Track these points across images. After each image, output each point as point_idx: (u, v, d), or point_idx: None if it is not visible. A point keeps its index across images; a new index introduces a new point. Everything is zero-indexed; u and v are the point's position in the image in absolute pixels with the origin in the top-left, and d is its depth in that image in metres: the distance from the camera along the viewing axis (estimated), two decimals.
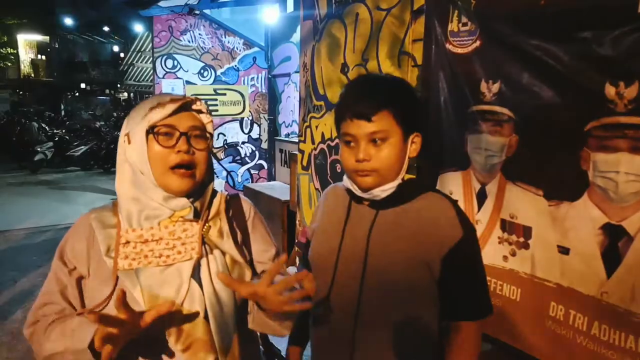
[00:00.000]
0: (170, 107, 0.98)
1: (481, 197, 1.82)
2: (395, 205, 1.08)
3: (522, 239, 1.68)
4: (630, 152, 1.34)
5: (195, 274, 1.00)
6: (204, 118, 1.06)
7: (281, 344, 2.81)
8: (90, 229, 1.02)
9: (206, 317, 0.99)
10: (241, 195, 1.21)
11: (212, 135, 1.06)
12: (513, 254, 1.71)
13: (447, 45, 1.91)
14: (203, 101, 1.05)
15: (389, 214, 1.08)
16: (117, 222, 1.02)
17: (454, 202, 1.11)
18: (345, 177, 1.15)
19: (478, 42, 1.78)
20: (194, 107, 1.04)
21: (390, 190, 1.07)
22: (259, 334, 1.21)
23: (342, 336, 1.09)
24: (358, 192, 1.10)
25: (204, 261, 1.02)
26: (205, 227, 1.05)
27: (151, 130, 0.98)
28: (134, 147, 0.99)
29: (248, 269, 1.09)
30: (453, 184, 1.94)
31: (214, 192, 1.12)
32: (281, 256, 0.99)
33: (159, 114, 0.98)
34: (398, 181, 1.08)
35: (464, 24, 1.84)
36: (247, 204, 1.19)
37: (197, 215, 1.04)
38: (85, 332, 0.90)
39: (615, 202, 1.39)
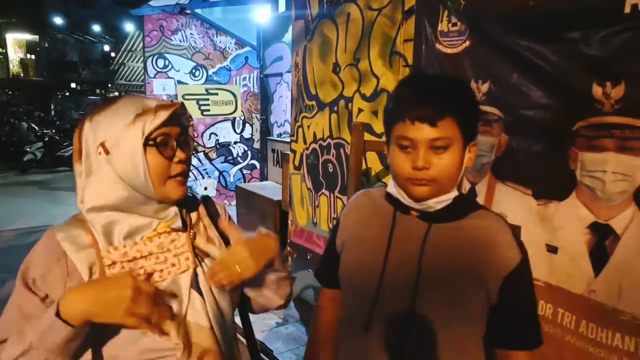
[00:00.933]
0: (164, 115, 0.91)
1: (471, 196, 1.83)
2: (449, 220, 1.00)
3: None
4: (617, 152, 1.36)
5: (194, 284, 0.97)
6: (186, 122, 1.01)
7: (274, 343, 2.81)
8: (61, 252, 0.90)
9: (211, 327, 0.96)
10: (213, 198, 1.18)
11: (193, 139, 1.03)
12: None
13: (437, 46, 1.92)
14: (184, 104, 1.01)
15: (444, 229, 1.00)
16: (92, 241, 0.92)
17: (509, 223, 1.04)
18: (391, 183, 1.05)
19: (468, 42, 1.79)
20: (179, 111, 0.98)
21: (446, 203, 0.99)
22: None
23: (390, 351, 1.01)
24: (407, 202, 1.01)
25: (199, 270, 0.99)
26: (191, 234, 1.01)
27: (153, 142, 0.90)
28: (120, 159, 0.90)
29: None
30: None
31: (192, 198, 1.09)
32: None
33: (152, 122, 0.90)
34: (454, 193, 1.00)
35: (454, 24, 1.85)
36: (220, 207, 1.16)
37: (183, 224, 1.00)
38: (43, 317, 0.81)
39: (603, 201, 1.41)
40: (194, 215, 1.05)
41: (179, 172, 0.94)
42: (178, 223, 0.98)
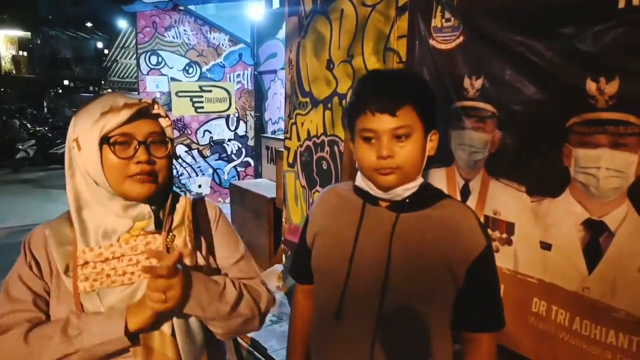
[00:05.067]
0: (126, 114, 0.90)
1: (465, 193, 1.83)
2: (417, 209, 1.03)
3: (505, 235, 1.69)
4: (610, 148, 1.35)
5: None
6: (163, 122, 0.98)
7: (268, 341, 2.80)
8: (46, 245, 0.95)
9: (173, 334, 0.94)
10: (207, 199, 1.14)
11: (172, 140, 0.99)
12: (496, 250, 1.72)
13: (431, 41, 1.91)
14: (160, 103, 0.99)
15: (411, 218, 1.03)
16: (73, 238, 0.94)
17: (474, 211, 1.07)
18: (359, 177, 1.08)
19: (461, 38, 1.78)
20: (151, 111, 0.96)
21: (412, 190, 1.02)
22: (226, 346, 1.18)
23: (361, 339, 1.04)
24: (376, 192, 1.03)
25: None
26: (169, 237, 0.98)
27: (106, 141, 0.90)
28: (85, 156, 0.91)
29: None
30: (437, 180, 1.94)
31: (177, 196, 1.05)
32: (182, 249, 0.93)
33: (113, 121, 0.89)
34: (420, 180, 1.03)
35: (447, 20, 1.84)
36: (212, 208, 1.12)
37: (159, 226, 0.97)
38: (104, 326, 0.88)
39: (596, 198, 1.40)
40: (177, 216, 1.02)
41: (137, 172, 0.91)
42: (151, 226, 0.96)
